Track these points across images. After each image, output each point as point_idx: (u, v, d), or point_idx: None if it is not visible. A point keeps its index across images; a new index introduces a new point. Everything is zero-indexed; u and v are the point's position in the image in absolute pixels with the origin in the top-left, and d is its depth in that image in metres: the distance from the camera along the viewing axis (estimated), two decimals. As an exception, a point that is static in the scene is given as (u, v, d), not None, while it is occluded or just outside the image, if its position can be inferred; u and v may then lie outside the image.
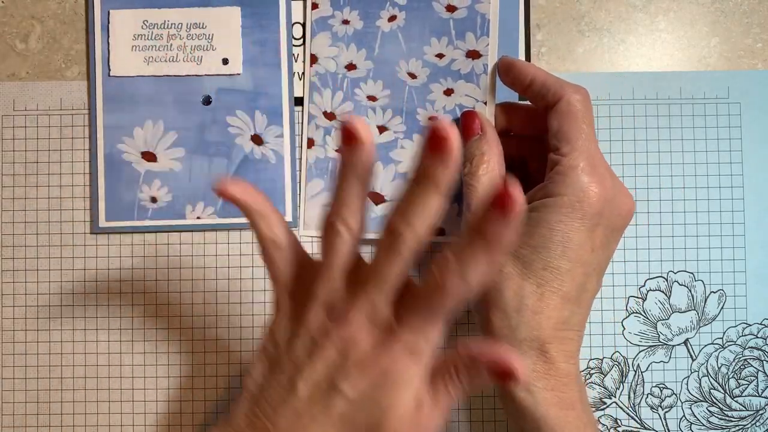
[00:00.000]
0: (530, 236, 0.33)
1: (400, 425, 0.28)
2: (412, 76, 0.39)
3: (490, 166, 0.35)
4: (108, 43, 0.41)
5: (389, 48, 0.40)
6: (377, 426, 0.28)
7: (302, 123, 0.41)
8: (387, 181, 0.40)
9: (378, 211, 0.40)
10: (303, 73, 0.41)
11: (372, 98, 0.40)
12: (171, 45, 0.40)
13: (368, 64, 0.40)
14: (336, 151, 0.37)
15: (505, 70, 0.37)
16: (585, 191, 0.32)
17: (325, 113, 0.40)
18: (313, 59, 0.40)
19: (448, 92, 0.39)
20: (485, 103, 0.38)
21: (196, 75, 0.41)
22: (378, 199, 0.40)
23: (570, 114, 0.33)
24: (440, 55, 0.39)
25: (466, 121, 0.37)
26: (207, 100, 0.41)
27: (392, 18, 0.39)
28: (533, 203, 0.34)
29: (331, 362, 0.28)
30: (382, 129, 0.40)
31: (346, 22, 0.40)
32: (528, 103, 0.38)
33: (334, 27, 0.40)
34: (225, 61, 0.41)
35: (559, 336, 0.33)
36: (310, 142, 0.40)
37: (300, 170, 0.41)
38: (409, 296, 0.28)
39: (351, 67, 0.40)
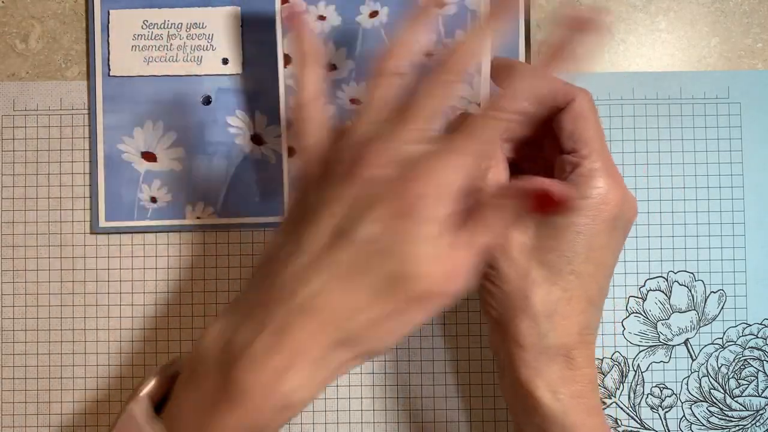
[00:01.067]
0: (556, 240, 0.32)
1: (427, 266, 0.26)
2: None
3: (498, 171, 0.34)
4: (108, 43, 0.41)
5: (372, 46, 0.37)
6: (401, 264, 0.26)
7: (281, 132, 0.38)
8: None
9: None
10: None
11: (356, 101, 0.37)
12: (171, 45, 0.40)
13: (350, 63, 0.37)
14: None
15: (503, 76, 0.35)
16: (608, 194, 0.32)
17: None
18: (287, 60, 0.37)
19: None
20: (479, 105, 0.37)
21: (196, 75, 0.41)
22: None
23: (584, 115, 0.33)
24: (429, 54, 0.36)
25: None
26: (207, 100, 0.41)
27: (374, 14, 0.37)
28: None
29: (344, 207, 0.27)
30: None
31: (321, 17, 0.37)
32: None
33: (309, 24, 0.37)
34: (225, 61, 0.41)
35: (584, 341, 0.32)
36: (291, 151, 0.39)
37: (282, 180, 0.39)
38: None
39: (330, 67, 0.37)
